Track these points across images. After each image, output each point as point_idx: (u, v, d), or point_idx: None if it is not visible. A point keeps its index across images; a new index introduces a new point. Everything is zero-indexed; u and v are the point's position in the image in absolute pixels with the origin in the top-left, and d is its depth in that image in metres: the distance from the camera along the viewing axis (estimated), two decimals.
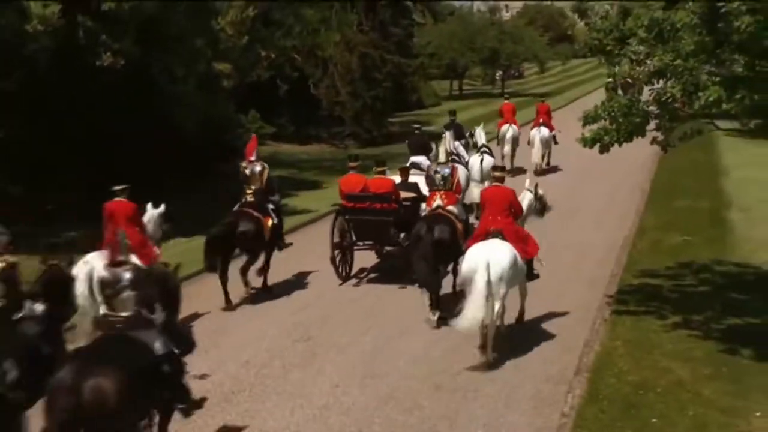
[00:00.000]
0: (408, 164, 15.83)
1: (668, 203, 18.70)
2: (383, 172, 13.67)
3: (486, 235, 10.16)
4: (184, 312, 8.76)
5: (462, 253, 10.56)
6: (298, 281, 13.64)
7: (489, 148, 18.70)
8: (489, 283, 9.51)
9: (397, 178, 13.95)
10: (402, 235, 12.94)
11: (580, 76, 70.44)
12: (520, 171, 21.50)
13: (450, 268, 11.98)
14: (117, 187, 10.91)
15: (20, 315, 7.06)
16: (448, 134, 15.38)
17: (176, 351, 6.86)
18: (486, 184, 15.54)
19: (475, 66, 58.82)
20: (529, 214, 11.49)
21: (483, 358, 9.77)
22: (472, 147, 18.75)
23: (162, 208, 11.50)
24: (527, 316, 11.23)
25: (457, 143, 17.77)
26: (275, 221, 12.85)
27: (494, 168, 12.17)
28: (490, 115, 31.03)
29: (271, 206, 12.93)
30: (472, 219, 13.48)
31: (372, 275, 14.00)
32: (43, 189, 15.48)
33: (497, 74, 62.25)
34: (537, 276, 10.89)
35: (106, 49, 15.01)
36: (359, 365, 9.90)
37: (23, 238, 12.95)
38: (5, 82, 14.55)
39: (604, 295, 12.31)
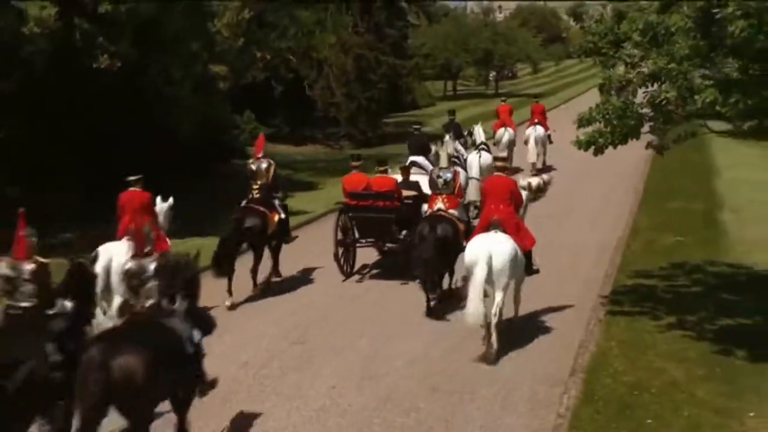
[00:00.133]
0: (407, 163, 16.06)
1: (661, 204, 18.79)
2: (385, 171, 13.95)
3: (488, 227, 10.39)
4: None
5: (463, 250, 10.82)
6: (296, 282, 13.68)
7: (487, 146, 18.99)
8: (491, 275, 9.84)
9: (399, 177, 14.19)
10: (403, 232, 13.18)
11: (573, 76, 70.67)
12: (517, 170, 21.61)
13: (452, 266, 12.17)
14: (131, 178, 11.08)
15: (53, 312, 7.36)
16: (448, 136, 15.59)
17: (198, 333, 7.30)
18: (483, 181, 15.63)
19: (469, 67, 58.96)
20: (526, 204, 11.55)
21: (486, 351, 10.04)
22: (470, 145, 18.95)
23: (171, 201, 11.69)
24: (522, 317, 11.27)
25: (456, 143, 18.05)
26: (282, 216, 13.15)
27: (495, 158, 12.53)
28: (485, 115, 31.12)
29: (277, 201, 13.23)
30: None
31: (374, 272, 14.23)
32: (41, 190, 15.48)
33: (491, 75, 62.48)
34: (537, 271, 11.06)
35: (102, 51, 15.03)
36: (356, 367, 9.92)
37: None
38: (3, 83, 14.57)
39: (599, 295, 12.36)
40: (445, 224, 11.77)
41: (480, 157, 18.00)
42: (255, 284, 12.80)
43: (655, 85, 9.89)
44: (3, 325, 7.46)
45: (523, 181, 11.61)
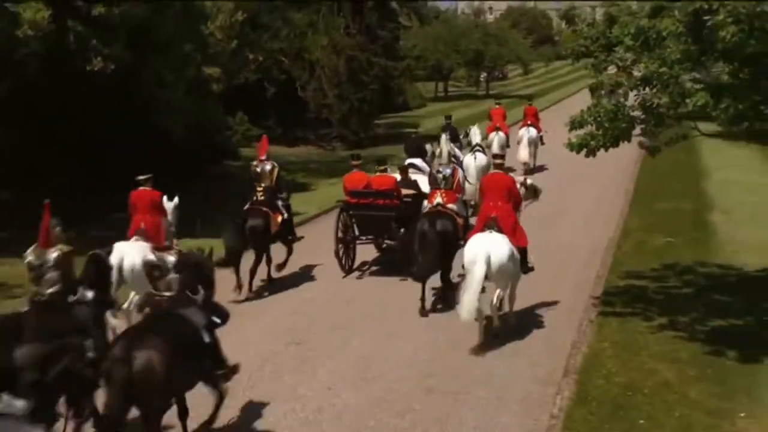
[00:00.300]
0: (405, 164, 16.28)
1: (652, 205, 18.89)
2: (385, 170, 14.29)
3: (485, 225, 10.65)
4: None
5: (462, 246, 11.11)
6: (290, 283, 13.72)
7: (482, 147, 19.30)
8: (490, 274, 10.16)
9: (398, 176, 14.48)
10: (402, 230, 13.46)
11: (563, 77, 70.85)
12: (509, 170, 21.69)
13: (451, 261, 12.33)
14: (141, 177, 11.38)
15: (74, 299, 7.68)
16: (444, 136, 15.86)
17: (216, 322, 7.75)
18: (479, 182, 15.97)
19: (460, 68, 59.21)
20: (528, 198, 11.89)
21: (480, 344, 10.37)
22: (466, 146, 19.28)
23: (176, 200, 11.89)
24: (515, 317, 11.34)
25: (452, 145, 18.05)
26: (285, 217, 13.45)
27: (495, 156, 12.96)
28: (476, 116, 31.22)
29: (280, 202, 13.49)
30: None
31: (372, 268, 14.51)
32: (34, 193, 15.48)
33: (482, 76, 62.69)
34: (532, 269, 11.27)
35: (96, 54, 15.04)
36: (351, 368, 9.95)
37: (12, 244, 13.04)
38: None
39: (591, 296, 12.42)
40: (444, 219, 12.04)
41: (475, 159, 18.30)
42: (250, 287, 12.90)
43: (647, 89, 10.00)
44: (30, 310, 7.70)
45: (520, 178, 11.92)
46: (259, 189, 13.26)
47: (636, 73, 10.10)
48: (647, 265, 13.81)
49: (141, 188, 11.36)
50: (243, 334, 11.15)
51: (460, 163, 17.76)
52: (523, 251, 10.95)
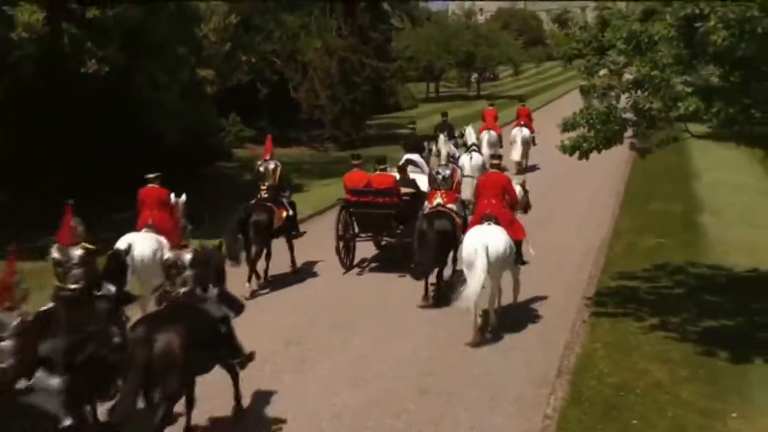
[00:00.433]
0: (403, 161, 16.57)
1: (642, 206, 18.95)
2: (385, 169, 14.56)
3: (482, 220, 10.98)
4: None
5: (459, 243, 11.52)
6: (285, 283, 13.80)
7: (478, 147, 19.58)
8: (486, 265, 10.39)
9: (397, 175, 14.75)
10: (401, 227, 13.86)
11: (553, 78, 71.10)
12: (503, 170, 21.82)
13: (450, 257, 12.73)
14: (150, 175, 11.88)
15: (99, 293, 8.11)
16: (442, 136, 16.13)
17: (230, 314, 8.26)
18: (475, 180, 16.25)
19: (451, 69, 59.36)
20: (519, 206, 12.19)
21: (476, 339, 10.59)
22: (461, 146, 19.52)
23: (183, 197, 11.98)
24: (508, 318, 11.45)
25: (450, 144, 18.47)
26: (289, 213, 13.83)
27: (492, 156, 13.31)
28: (468, 116, 31.32)
29: (284, 200, 13.90)
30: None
31: (372, 265, 14.81)
32: (30, 195, 15.53)
33: (473, 77, 62.86)
34: (526, 262, 11.60)
35: (90, 56, 15.08)
36: (348, 368, 10.01)
37: (7, 246, 12.98)
38: None
39: (583, 297, 12.49)
40: (443, 219, 12.35)
41: (471, 158, 18.55)
42: (249, 278, 13.11)
43: (639, 92, 10.10)
44: (57, 305, 7.94)
45: (519, 180, 12.33)
46: (263, 187, 13.68)
47: (628, 76, 10.21)
48: (639, 265, 13.90)
49: (149, 185, 11.83)
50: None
51: (456, 161, 17.97)
52: (518, 244, 11.27)
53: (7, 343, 6.26)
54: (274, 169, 13.90)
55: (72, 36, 15.05)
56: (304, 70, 30.83)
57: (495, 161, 12.34)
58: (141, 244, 10.85)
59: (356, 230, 14.52)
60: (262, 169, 13.96)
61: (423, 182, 14.36)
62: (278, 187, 13.89)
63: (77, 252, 8.19)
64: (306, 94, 30.99)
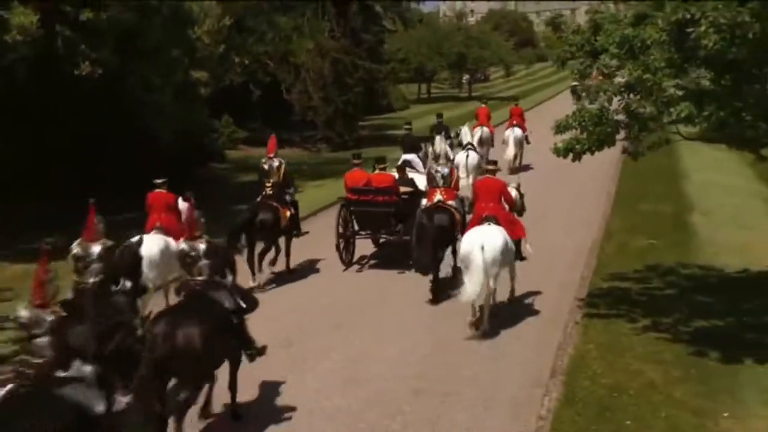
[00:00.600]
0: (400, 161, 17.04)
1: (633, 206, 19.04)
2: (384, 169, 14.95)
3: (481, 221, 11.32)
4: None
5: (458, 238, 11.98)
6: (283, 282, 13.91)
7: (473, 146, 20.20)
8: (484, 263, 10.70)
9: (396, 175, 15.20)
10: (400, 225, 14.22)
11: (543, 79, 71.39)
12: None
13: (450, 251, 13.10)
14: (157, 180, 12.32)
15: (117, 288, 8.35)
16: (438, 138, 16.48)
17: (243, 306, 8.54)
18: (471, 178, 17.54)
19: (443, 70, 59.56)
20: (515, 210, 12.47)
21: (473, 332, 10.98)
22: (457, 145, 19.92)
23: (184, 203, 12.39)
24: (502, 318, 11.53)
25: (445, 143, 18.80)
26: (292, 212, 14.10)
27: (488, 162, 13.78)
28: (459, 117, 31.47)
29: (288, 198, 14.15)
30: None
31: (371, 262, 15.17)
32: (25, 197, 15.53)
33: (464, 78, 63.02)
34: (524, 258, 11.95)
35: (84, 58, 15.10)
36: (340, 370, 10.04)
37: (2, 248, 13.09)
38: None
39: (575, 298, 12.55)
40: (442, 214, 12.72)
41: (468, 156, 19.15)
42: (260, 268, 13.60)
43: (631, 95, 10.19)
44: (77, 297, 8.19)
45: (514, 184, 12.64)
46: (267, 185, 13.94)
47: (620, 79, 10.30)
48: (630, 266, 13.98)
49: (157, 190, 12.26)
50: None
51: (451, 161, 18.25)
52: (517, 242, 11.63)
53: (43, 339, 6.53)
54: (279, 167, 14.20)
55: (66, 38, 15.07)
56: (297, 72, 30.87)
57: (491, 166, 12.63)
58: (149, 243, 11.24)
59: (356, 228, 14.82)
60: (266, 166, 14.24)
61: (421, 182, 14.78)
62: (283, 184, 14.18)
63: (97, 248, 8.62)
64: (299, 95, 31.05)
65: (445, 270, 13.06)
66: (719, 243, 15.48)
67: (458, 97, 57.32)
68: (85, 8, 15.12)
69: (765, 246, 15.16)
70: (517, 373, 9.88)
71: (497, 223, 11.31)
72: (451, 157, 18.59)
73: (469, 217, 12.65)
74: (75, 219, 12.15)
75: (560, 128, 10.60)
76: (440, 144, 15.58)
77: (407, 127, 19.79)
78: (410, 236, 13.00)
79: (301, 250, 14.84)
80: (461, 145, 19.89)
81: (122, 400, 6.71)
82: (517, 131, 24.66)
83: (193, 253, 8.90)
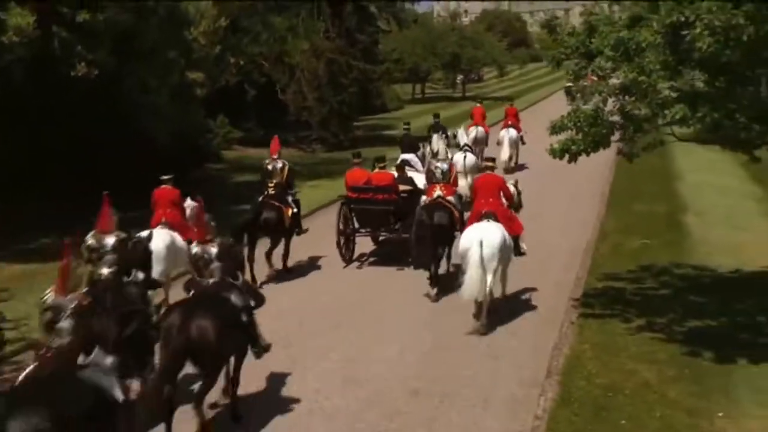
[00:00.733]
0: (399, 161, 17.33)
1: (627, 207, 19.14)
2: (384, 167, 15.28)
3: (480, 217, 11.52)
4: None
5: (457, 235, 12.29)
6: (280, 281, 13.97)
7: (470, 147, 20.52)
8: (482, 259, 10.99)
9: (395, 173, 15.49)
10: (399, 223, 14.54)
11: (537, 79, 71.55)
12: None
13: (446, 252, 13.31)
14: (164, 177, 12.74)
15: (129, 279, 8.59)
16: (435, 137, 16.70)
17: (252, 304, 8.85)
18: (469, 178, 17.54)
19: (437, 70, 59.64)
20: (514, 206, 12.73)
21: (477, 324, 11.24)
22: (453, 146, 20.14)
23: (191, 202, 12.66)
24: (497, 318, 11.61)
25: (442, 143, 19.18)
26: (294, 211, 14.31)
27: (486, 159, 14.00)
28: (453, 117, 31.57)
29: (290, 198, 14.37)
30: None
31: (371, 259, 15.41)
32: (21, 198, 15.53)
33: (458, 78, 63.13)
34: (523, 253, 12.18)
35: (80, 59, 15.14)
36: (338, 370, 10.08)
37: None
38: None
39: (570, 298, 12.62)
40: (442, 212, 12.92)
41: (465, 157, 19.36)
42: (270, 265, 13.92)
43: (626, 97, 10.27)
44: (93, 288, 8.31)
45: (512, 181, 12.90)
46: (270, 185, 14.14)
47: (615, 81, 10.38)
48: (624, 266, 14.06)
49: (163, 186, 12.63)
50: None
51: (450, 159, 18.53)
52: (515, 238, 11.89)
53: (66, 323, 6.88)
54: (282, 168, 14.44)
55: (62, 40, 15.11)
56: (292, 72, 30.90)
57: (489, 163, 12.90)
58: (156, 238, 11.32)
59: (356, 226, 15.06)
60: (269, 167, 14.45)
61: (419, 180, 15.10)
62: (285, 185, 14.37)
63: (111, 240, 8.87)
64: (293, 95, 31.07)
65: (443, 267, 13.24)
66: (712, 243, 15.57)
67: (452, 98, 57.43)
68: (82, 9, 15.15)
69: (757, 246, 15.27)
70: (514, 373, 9.93)
71: (496, 219, 11.52)
72: (450, 156, 18.99)
73: (466, 214, 12.86)
74: (71, 219, 12.22)
75: (555, 129, 10.67)
76: (437, 143, 15.84)
77: (406, 127, 20.09)
78: (409, 234, 13.26)
79: (299, 249, 14.99)
80: (458, 146, 20.18)
81: (135, 386, 6.87)
82: (512, 132, 24.88)
83: (205, 256, 9.20)
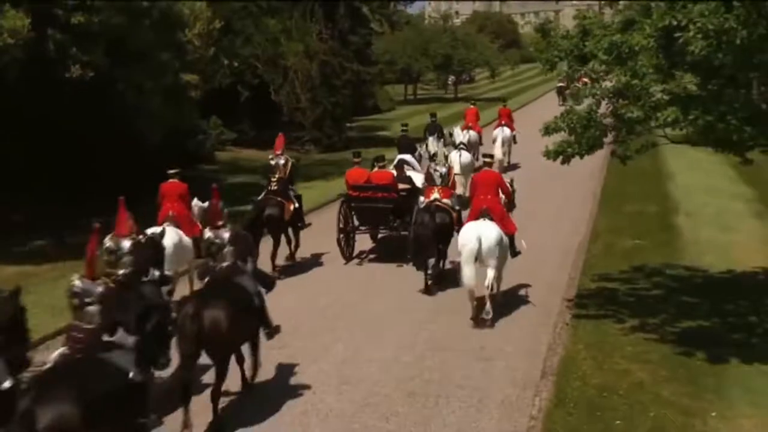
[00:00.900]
0: (396, 161, 17.62)
1: (619, 207, 19.24)
2: (383, 167, 15.64)
3: (478, 215, 11.97)
4: None
5: (455, 235, 12.75)
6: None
7: (466, 146, 20.88)
8: (481, 255, 11.49)
9: (394, 172, 15.80)
10: (398, 221, 14.91)
11: (528, 80, 71.66)
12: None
13: (444, 250, 13.61)
14: (171, 171, 13.04)
15: (146, 279, 8.72)
16: (432, 138, 16.89)
17: (262, 289, 9.29)
18: (465, 177, 18.03)
19: (429, 71, 59.72)
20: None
21: (477, 319, 11.55)
22: (449, 145, 20.71)
23: (207, 204, 12.55)
24: (495, 319, 11.67)
25: (439, 143, 20.15)
26: (296, 206, 14.62)
27: (484, 155, 14.28)
28: (446, 118, 31.55)
29: (292, 193, 14.71)
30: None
31: (370, 256, 15.74)
32: (17, 199, 15.52)
33: (450, 79, 63.23)
34: (519, 253, 12.45)
35: (75, 61, 15.15)
36: (334, 372, 10.10)
37: None
38: None
39: (564, 299, 12.68)
40: (442, 213, 13.31)
41: (461, 156, 19.84)
42: (273, 268, 13.97)
43: (619, 100, 10.34)
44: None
45: (508, 179, 13.19)
46: (273, 180, 14.54)
47: (608, 83, 10.46)
48: (617, 267, 14.17)
49: (170, 180, 12.91)
50: None
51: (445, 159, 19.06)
52: (511, 237, 12.17)
53: (93, 308, 7.37)
54: (285, 164, 14.83)
55: (57, 41, 15.11)
56: (285, 73, 30.90)
57: (488, 159, 13.35)
58: (165, 236, 11.42)
59: (356, 223, 15.35)
60: (273, 163, 14.90)
61: (418, 179, 15.42)
62: (287, 180, 14.68)
63: (127, 243, 9.06)
64: (287, 96, 31.05)
65: (441, 266, 13.52)
66: (703, 243, 15.71)
67: (444, 98, 57.50)
68: (77, 11, 15.15)
69: (747, 247, 15.42)
70: (508, 374, 9.98)
71: (492, 219, 11.85)
72: (447, 153, 19.71)
73: (464, 213, 13.21)
74: (67, 221, 12.33)
75: (549, 130, 10.75)
76: (433, 145, 16.07)
77: (404, 128, 20.22)
78: (408, 231, 13.59)
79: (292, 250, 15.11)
80: (454, 145, 20.61)
81: (153, 372, 7.50)
82: (506, 131, 25.30)
83: (218, 241, 9.57)
